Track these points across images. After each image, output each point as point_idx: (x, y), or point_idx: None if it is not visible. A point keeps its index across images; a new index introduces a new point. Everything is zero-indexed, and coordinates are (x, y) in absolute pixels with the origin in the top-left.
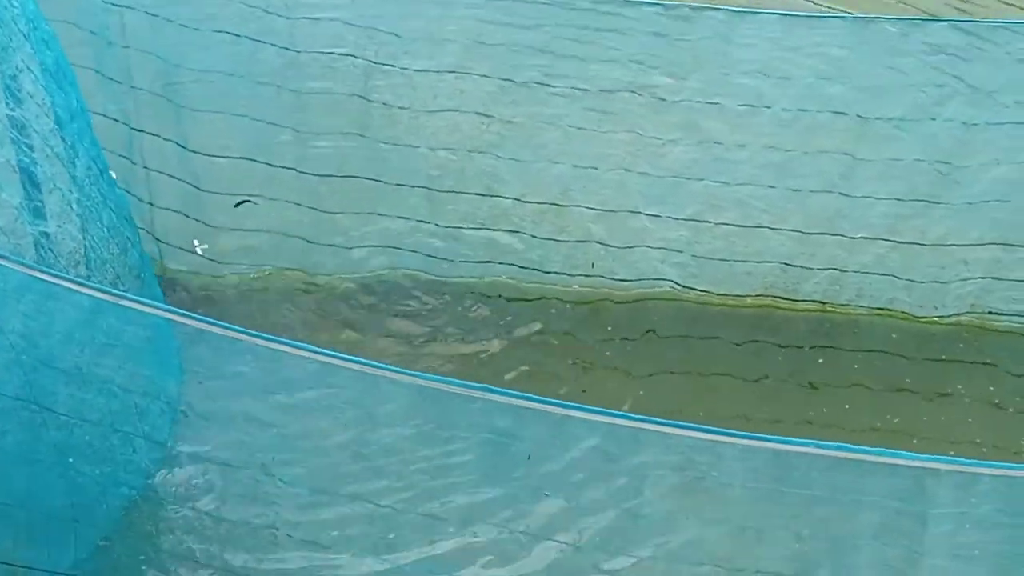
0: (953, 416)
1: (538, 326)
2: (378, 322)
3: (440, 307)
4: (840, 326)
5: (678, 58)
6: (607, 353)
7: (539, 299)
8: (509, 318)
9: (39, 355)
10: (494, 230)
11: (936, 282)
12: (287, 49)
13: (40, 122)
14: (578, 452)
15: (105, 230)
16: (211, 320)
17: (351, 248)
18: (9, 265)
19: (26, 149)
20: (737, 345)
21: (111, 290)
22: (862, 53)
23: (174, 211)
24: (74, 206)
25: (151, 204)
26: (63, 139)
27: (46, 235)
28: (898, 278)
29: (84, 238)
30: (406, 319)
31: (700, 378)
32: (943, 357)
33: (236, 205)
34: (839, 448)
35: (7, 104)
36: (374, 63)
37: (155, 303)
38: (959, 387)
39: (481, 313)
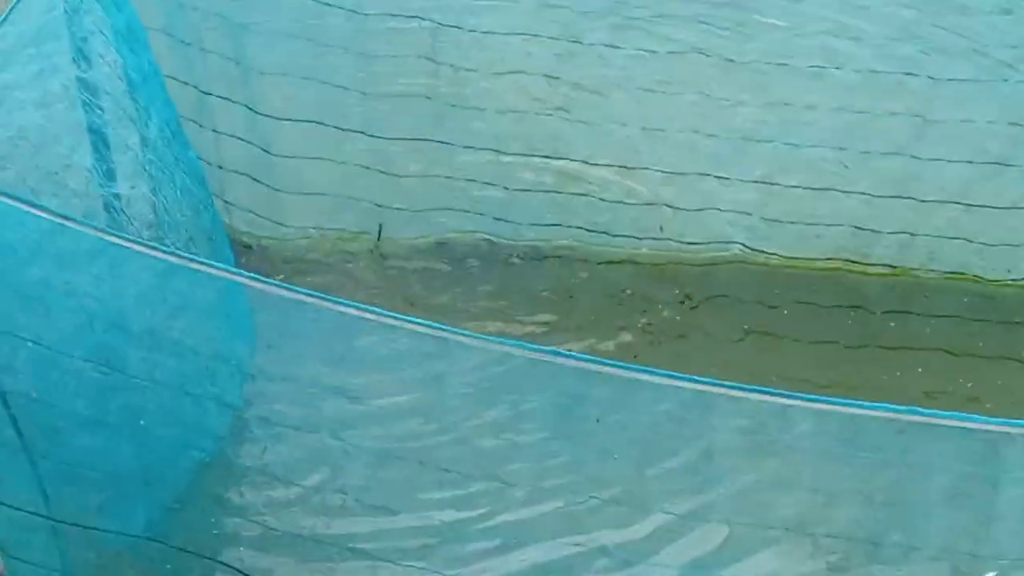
0: None
1: (607, 289)
2: (445, 284)
3: (508, 270)
4: (911, 290)
5: (747, 19)
6: (676, 317)
7: (607, 262)
8: (577, 281)
9: (111, 317)
10: (562, 193)
11: (1008, 245)
12: (355, 12)
13: (112, 84)
14: (647, 415)
15: (178, 192)
16: (279, 283)
17: (419, 211)
18: (81, 228)
19: (98, 111)
20: (807, 308)
21: (182, 253)
22: (932, 13)
23: (243, 174)
24: (147, 168)
25: (220, 167)
26: (135, 101)
27: (117, 196)
28: (970, 241)
29: (157, 200)
30: (473, 281)
31: (770, 341)
32: (1015, 320)
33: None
34: (910, 412)
35: (79, 67)
36: (441, 25)
37: (226, 266)
38: None
39: (549, 276)
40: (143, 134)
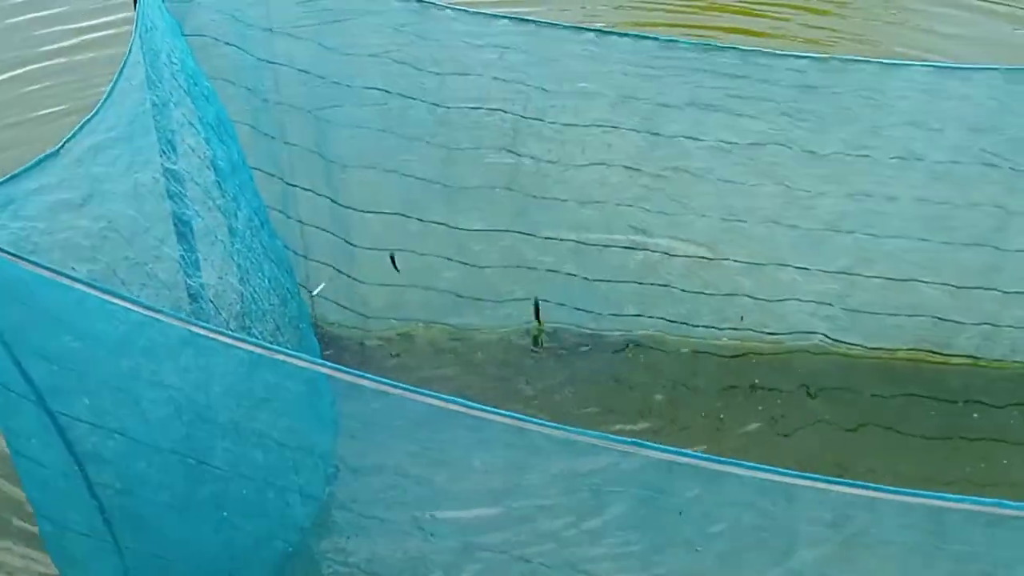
0: None
1: (687, 379)
2: (526, 374)
3: (588, 360)
4: (994, 381)
5: (828, 111)
6: (758, 407)
7: (688, 352)
8: (657, 371)
9: (197, 409)
10: (642, 283)
11: None
12: (436, 105)
13: (201, 175)
14: (730, 508)
15: (266, 281)
16: (363, 374)
17: (500, 301)
18: (169, 320)
19: (186, 202)
20: (889, 399)
21: (268, 345)
22: (1015, 104)
23: (326, 264)
24: (235, 257)
25: (305, 257)
26: (224, 191)
27: (204, 287)
28: None
29: (244, 289)
30: (554, 371)
31: (852, 433)
32: None
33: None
34: (997, 504)
35: (168, 158)
36: (523, 118)
37: (310, 358)
38: None
39: (629, 366)
40: (231, 224)
